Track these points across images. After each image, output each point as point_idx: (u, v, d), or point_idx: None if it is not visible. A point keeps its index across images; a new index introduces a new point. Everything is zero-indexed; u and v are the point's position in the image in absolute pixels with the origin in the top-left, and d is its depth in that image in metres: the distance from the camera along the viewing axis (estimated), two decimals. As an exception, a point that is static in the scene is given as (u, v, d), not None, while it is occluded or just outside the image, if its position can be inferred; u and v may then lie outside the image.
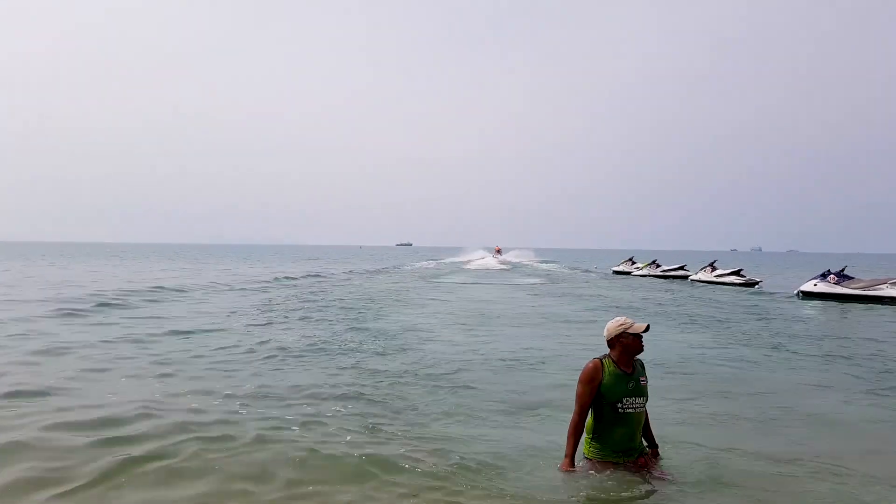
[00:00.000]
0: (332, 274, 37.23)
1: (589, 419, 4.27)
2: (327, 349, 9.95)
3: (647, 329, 4.19)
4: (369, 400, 6.73)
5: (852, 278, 23.56)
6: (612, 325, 4.21)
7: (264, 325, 12.96)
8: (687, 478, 4.48)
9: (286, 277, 31.82)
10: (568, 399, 6.91)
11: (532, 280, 34.97)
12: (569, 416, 6.18)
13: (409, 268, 50.26)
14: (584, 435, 4.31)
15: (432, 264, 59.00)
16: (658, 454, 4.50)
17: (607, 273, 45.63)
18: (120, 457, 4.72)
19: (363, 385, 7.45)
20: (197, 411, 6.16)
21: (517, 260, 74.14)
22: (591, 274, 44.42)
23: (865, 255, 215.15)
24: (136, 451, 4.87)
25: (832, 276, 23.57)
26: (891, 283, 21.83)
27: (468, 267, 53.05)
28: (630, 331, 4.13)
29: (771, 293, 26.85)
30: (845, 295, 22.35)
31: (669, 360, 9.46)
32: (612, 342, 4.21)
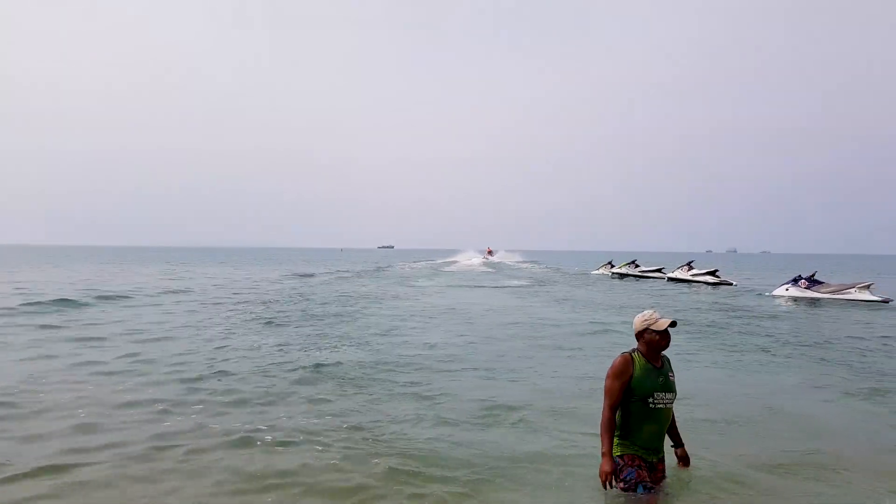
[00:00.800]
0: (312, 277, 36.84)
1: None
2: (302, 357, 9.72)
3: (674, 325, 3.93)
4: (347, 410, 6.55)
5: (822, 283, 24.71)
6: (639, 319, 4.00)
7: (238, 334, 12.69)
8: (685, 487, 4.37)
9: (263, 281, 31.45)
10: (545, 406, 6.78)
11: (514, 282, 35.01)
12: (550, 425, 6.10)
13: (391, 270, 49.95)
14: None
15: (415, 266, 58.80)
16: (686, 455, 4.31)
17: (588, 274, 45.90)
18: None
19: (339, 395, 7.27)
20: (166, 419, 5.96)
21: (501, 261, 75.61)
22: (574, 276, 44.60)
23: (835, 256, 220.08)
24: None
25: (803, 280, 24.66)
26: (858, 287, 23.13)
27: (450, 269, 52.93)
28: (654, 327, 3.91)
29: (749, 291, 27.44)
30: (816, 299, 23.38)
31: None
32: (638, 336, 4.02)
